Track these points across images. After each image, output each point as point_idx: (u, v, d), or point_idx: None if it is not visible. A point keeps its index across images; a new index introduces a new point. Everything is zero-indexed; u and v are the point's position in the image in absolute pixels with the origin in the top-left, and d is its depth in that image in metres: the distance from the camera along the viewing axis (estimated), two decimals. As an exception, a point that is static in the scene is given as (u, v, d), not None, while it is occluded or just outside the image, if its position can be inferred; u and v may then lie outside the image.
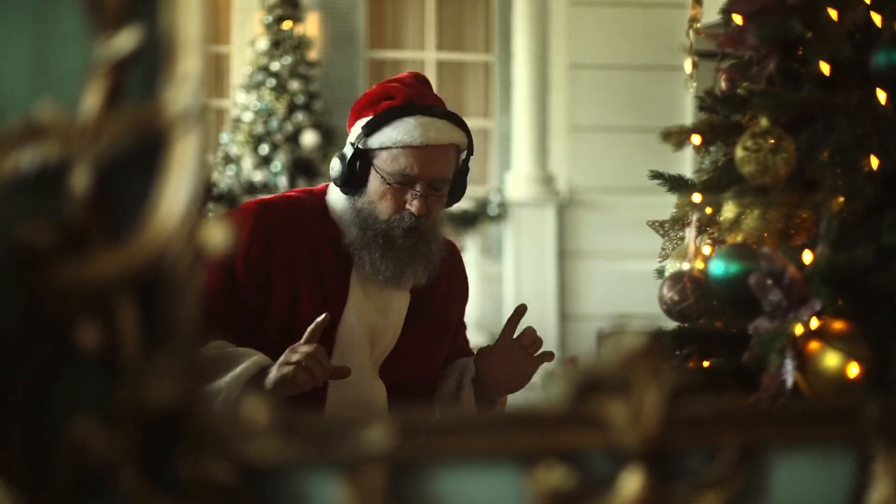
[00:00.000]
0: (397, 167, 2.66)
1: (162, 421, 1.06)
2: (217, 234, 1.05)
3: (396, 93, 2.74)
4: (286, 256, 2.66)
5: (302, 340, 2.52)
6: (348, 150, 2.72)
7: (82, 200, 1.05)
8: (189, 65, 1.07)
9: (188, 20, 1.07)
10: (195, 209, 1.06)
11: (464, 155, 2.80)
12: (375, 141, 2.69)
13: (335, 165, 2.73)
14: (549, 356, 2.76)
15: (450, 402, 2.80)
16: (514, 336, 2.74)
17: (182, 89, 1.07)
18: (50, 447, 1.07)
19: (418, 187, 2.66)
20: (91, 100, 1.06)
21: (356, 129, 2.74)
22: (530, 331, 2.75)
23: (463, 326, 2.99)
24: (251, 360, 2.55)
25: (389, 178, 2.67)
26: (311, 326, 2.53)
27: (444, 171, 2.70)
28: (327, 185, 2.80)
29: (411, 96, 2.73)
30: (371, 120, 2.71)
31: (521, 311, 2.76)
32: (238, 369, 2.54)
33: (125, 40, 1.06)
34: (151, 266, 1.05)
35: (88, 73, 1.07)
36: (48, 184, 1.07)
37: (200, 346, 2.50)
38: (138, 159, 1.07)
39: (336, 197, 2.75)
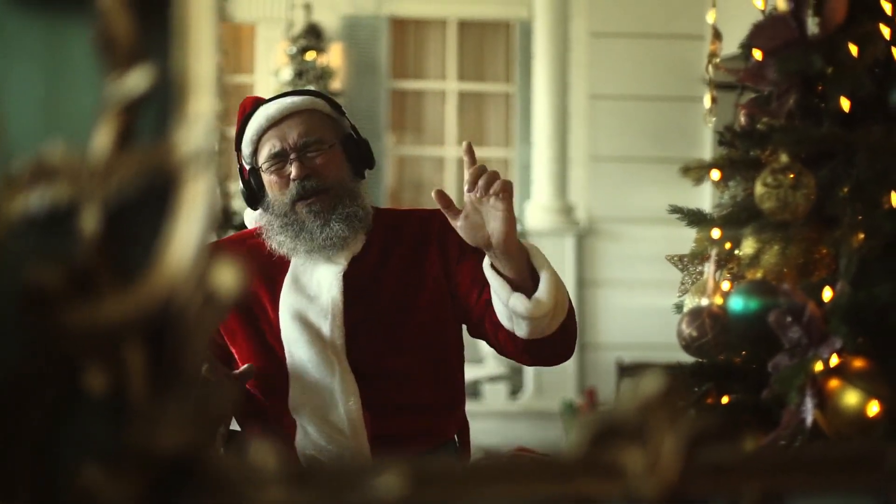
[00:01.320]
0: (265, 154, 2.75)
1: (171, 466, 1.04)
2: (227, 276, 1.04)
3: (244, 105, 2.85)
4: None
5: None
6: (241, 177, 2.84)
7: (92, 242, 1.04)
8: (201, 105, 1.06)
9: (201, 60, 1.06)
10: (205, 250, 1.05)
11: (345, 121, 2.85)
12: (246, 151, 2.79)
13: (239, 191, 2.84)
14: (506, 188, 2.52)
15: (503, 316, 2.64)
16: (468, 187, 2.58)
17: (194, 130, 1.06)
18: (57, 492, 1.06)
19: (290, 157, 2.72)
20: (102, 140, 1.05)
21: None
22: (476, 174, 2.55)
23: (479, 284, 2.75)
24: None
25: (267, 167, 2.74)
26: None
27: (305, 132, 2.74)
28: (260, 225, 2.85)
29: (256, 101, 2.83)
30: (235, 138, 2.83)
31: (467, 148, 2.59)
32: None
33: (137, 80, 1.05)
34: (161, 309, 1.04)
35: (99, 112, 1.06)
36: (58, 225, 1.06)
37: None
38: (149, 200, 1.06)
39: (261, 220, 2.82)
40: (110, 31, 1.06)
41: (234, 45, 9.58)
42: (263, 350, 2.73)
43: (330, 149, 2.76)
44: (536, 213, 8.71)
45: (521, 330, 2.62)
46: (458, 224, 2.59)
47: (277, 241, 2.75)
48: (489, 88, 9.64)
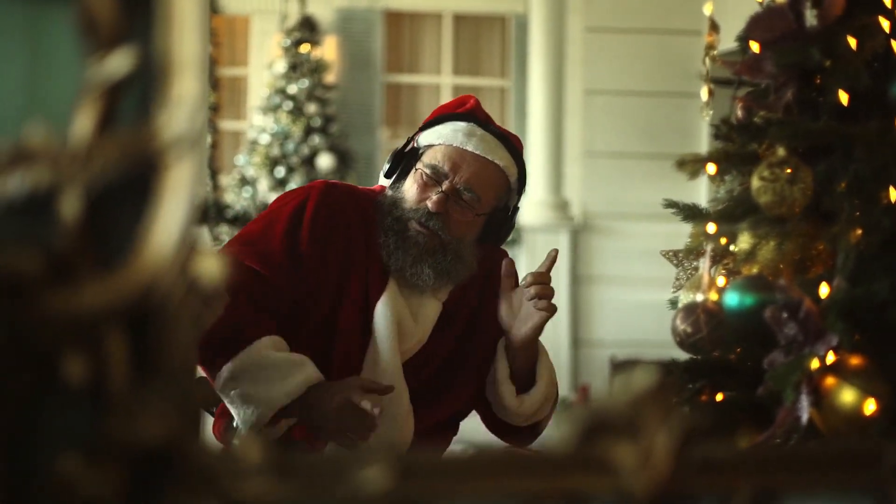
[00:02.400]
0: (432, 161, 2.72)
1: (151, 457, 1.02)
2: (211, 265, 1.01)
3: (468, 101, 2.84)
4: (343, 237, 2.70)
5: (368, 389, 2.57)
6: (404, 145, 2.83)
7: (72, 227, 1.02)
8: (184, 88, 1.03)
9: (184, 41, 1.04)
10: (189, 237, 1.03)
11: (514, 197, 2.84)
12: (427, 138, 2.78)
13: (388, 159, 2.83)
14: (550, 308, 2.70)
15: (490, 389, 2.80)
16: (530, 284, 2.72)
17: (177, 113, 1.03)
18: (35, 484, 1.03)
19: (444, 185, 2.69)
20: (83, 123, 1.03)
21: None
22: (538, 280, 2.70)
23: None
24: (302, 377, 2.57)
25: (422, 169, 2.72)
26: (376, 388, 2.58)
27: (475, 182, 2.72)
28: (384, 187, 2.85)
29: (475, 110, 2.81)
30: (430, 120, 2.81)
31: (552, 256, 2.72)
32: (289, 384, 2.55)
33: (119, 62, 1.02)
34: (142, 296, 1.02)
35: (81, 95, 1.04)
36: (37, 210, 1.03)
37: (246, 341, 2.51)
38: (130, 185, 1.03)
39: (385, 193, 2.80)
40: (92, 12, 1.03)
41: (228, 37, 9.56)
42: (356, 322, 2.70)
43: (476, 216, 2.74)
44: (531, 209, 8.69)
45: (496, 408, 2.82)
46: (502, 297, 2.76)
47: (383, 240, 2.73)
48: (484, 83, 9.62)
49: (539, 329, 2.71)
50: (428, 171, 2.71)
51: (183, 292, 1.03)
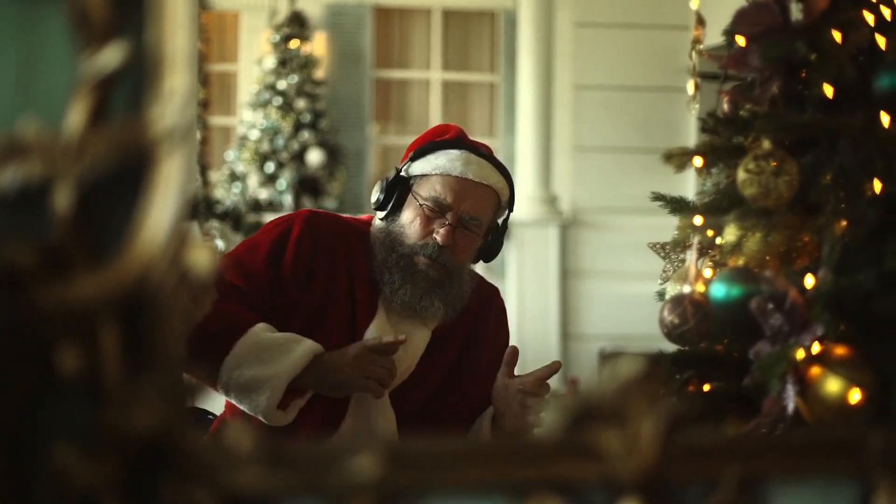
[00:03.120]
0: (432, 193, 2.72)
1: (145, 447, 1.03)
2: (202, 256, 1.03)
3: (450, 130, 2.83)
4: (328, 262, 2.71)
5: (378, 351, 2.58)
6: (391, 176, 2.80)
7: (65, 220, 1.03)
8: (176, 81, 1.05)
9: (175, 35, 1.05)
10: (180, 229, 1.04)
11: (504, 214, 2.86)
12: (418, 168, 2.77)
13: (376, 190, 2.80)
14: (536, 421, 2.72)
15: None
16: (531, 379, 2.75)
17: (168, 106, 1.04)
18: (31, 473, 1.05)
19: (449, 217, 2.70)
20: (75, 117, 1.04)
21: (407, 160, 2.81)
22: (532, 390, 2.74)
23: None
24: (305, 347, 2.58)
25: (423, 203, 2.72)
26: (386, 341, 2.58)
27: (478, 209, 2.74)
28: (372, 217, 2.86)
29: (462, 135, 2.81)
30: (419, 148, 2.79)
31: (555, 368, 2.80)
32: (294, 355, 2.56)
33: (111, 56, 1.04)
34: (135, 288, 1.03)
35: (73, 89, 1.05)
36: (30, 203, 1.04)
37: (239, 332, 2.52)
38: (123, 178, 1.05)
39: (377, 225, 2.81)
40: (85, 7, 1.05)
41: (218, 33, 9.55)
42: (342, 336, 2.71)
43: (476, 238, 2.76)
44: (521, 204, 8.69)
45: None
46: (499, 380, 2.75)
47: (387, 278, 2.74)
48: (474, 78, 9.62)
49: (525, 427, 2.71)
50: (430, 204, 2.71)
51: (174, 284, 1.04)
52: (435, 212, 2.71)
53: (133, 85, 1.06)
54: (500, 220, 2.85)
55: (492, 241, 2.82)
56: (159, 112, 1.04)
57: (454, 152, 2.76)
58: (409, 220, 2.73)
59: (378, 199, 2.79)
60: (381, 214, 2.80)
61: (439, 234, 2.69)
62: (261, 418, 2.55)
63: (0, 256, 1.01)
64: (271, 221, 2.83)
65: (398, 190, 2.77)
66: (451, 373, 2.82)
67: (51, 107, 1.06)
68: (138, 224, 1.04)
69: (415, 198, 2.74)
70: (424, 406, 2.78)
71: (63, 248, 1.03)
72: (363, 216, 2.90)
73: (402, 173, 2.79)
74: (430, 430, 2.77)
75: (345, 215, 2.93)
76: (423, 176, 2.75)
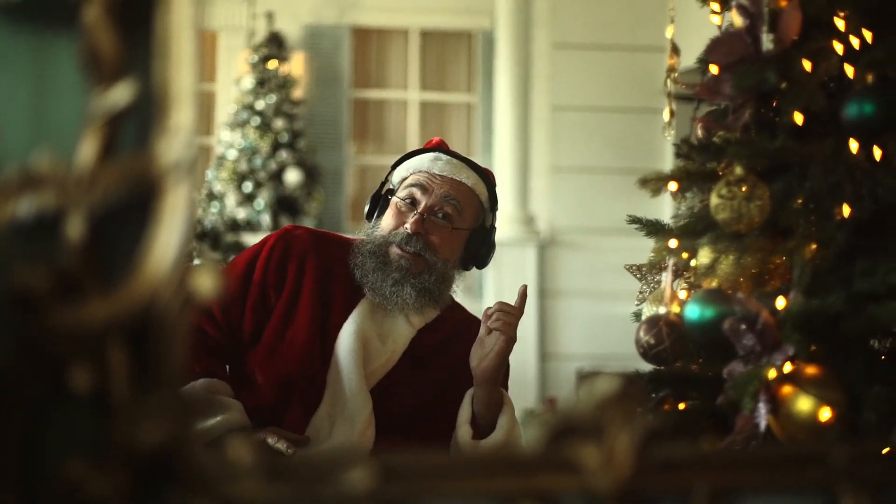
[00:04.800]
0: (405, 188, 2.82)
1: (152, 461, 1.09)
2: (206, 281, 1.09)
3: (433, 142, 2.92)
4: (299, 266, 2.78)
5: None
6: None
7: (77, 247, 1.09)
8: (181, 117, 1.11)
9: (181, 74, 1.11)
10: (185, 256, 1.10)
11: (490, 218, 2.94)
12: (398, 175, 2.88)
13: (366, 205, 2.91)
14: (505, 329, 2.73)
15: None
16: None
17: (174, 141, 1.10)
18: (44, 486, 1.10)
19: (420, 207, 2.78)
20: (87, 151, 1.10)
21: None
22: (501, 307, 2.76)
23: (505, 374, 2.96)
24: (224, 417, 2.64)
25: (398, 199, 2.80)
26: (275, 447, 2.62)
27: (449, 196, 2.81)
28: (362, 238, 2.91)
29: (441, 144, 2.91)
30: (399, 158, 2.91)
31: (522, 291, 2.80)
32: (210, 424, 2.62)
33: (120, 94, 1.10)
34: (142, 311, 1.09)
35: (84, 124, 1.11)
36: (44, 231, 1.10)
37: (186, 380, 2.56)
38: (131, 208, 1.10)
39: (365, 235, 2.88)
40: (95, 47, 1.10)
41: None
42: (313, 342, 2.76)
43: (454, 231, 2.83)
44: (498, 223, 8.73)
45: (451, 449, 2.82)
46: (477, 341, 2.77)
47: (359, 262, 2.81)
48: (451, 99, 9.66)
49: (499, 355, 2.72)
50: (402, 199, 2.80)
51: (180, 307, 1.10)
52: (407, 205, 2.80)
53: (141, 120, 1.11)
54: (487, 225, 2.94)
55: (477, 242, 2.90)
56: (165, 146, 1.10)
57: (429, 154, 2.88)
58: (386, 218, 2.82)
59: (368, 209, 2.91)
60: (369, 224, 2.88)
61: (409, 222, 2.76)
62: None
63: (16, 280, 1.07)
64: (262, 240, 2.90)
65: (383, 199, 2.87)
66: (435, 385, 2.84)
67: (63, 141, 1.12)
68: (146, 251, 1.09)
69: (391, 200, 2.83)
70: (407, 406, 2.81)
71: (75, 273, 1.09)
72: (355, 237, 2.95)
73: (388, 184, 2.90)
74: (411, 428, 2.81)
75: (333, 233, 2.99)
76: (402, 180, 2.86)
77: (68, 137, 1.11)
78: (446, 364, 2.84)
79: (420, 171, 2.84)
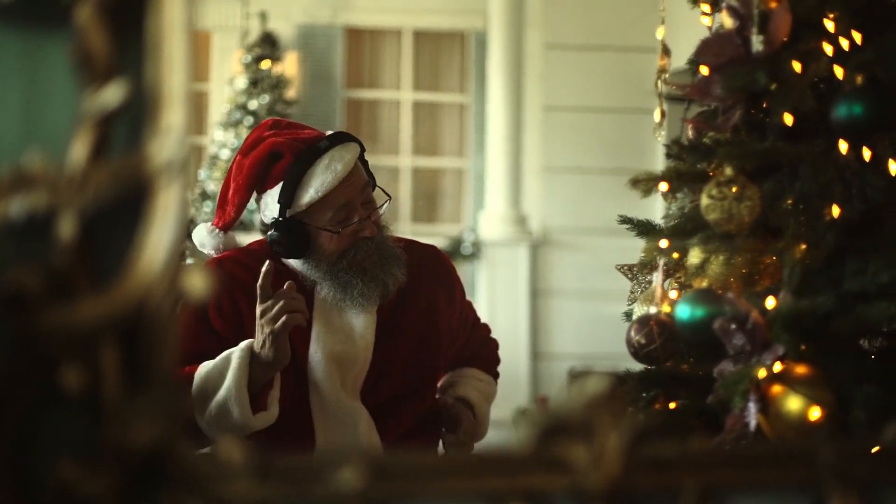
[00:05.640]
0: (333, 210, 2.71)
1: (144, 461, 1.09)
2: (196, 281, 1.09)
3: (279, 148, 2.74)
4: (249, 300, 2.66)
5: (259, 300, 2.56)
6: (275, 225, 2.73)
7: (69, 247, 1.09)
8: (173, 118, 1.11)
9: (173, 75, 1.12)
10: (176, 256, 1.11)
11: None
12: (300, 204, 2.71)
13: (273, 238, 2.73)
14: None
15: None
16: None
17: (166, 141, 1.11)
18: (36, 487, 1.10)
19: (356, 216, 2.72)
20: (78, 151, 1.10)
21: (270, 205, 2.74)
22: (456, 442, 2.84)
23: (477, 326, 3.04)
24: (238, 350, 2.58)
25: (333, 224, 2.71)
26: (261, 281, 2.55)
27: (366, 189, 2.76)
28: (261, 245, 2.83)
29: (294, 146, 2.74)
30: (281, 189, 2.71)
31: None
32: (234, 363, 2.56)
33: (112, 94, 1.10)
34: (134, 311, 1.09)
35: (76, 125, 1.11)
36: (36, 231, 1.10)
37: (180, 385, 2.54)
38: (123, 208, 1.11)
39: (302, 264, 2.79)
40: (87, 47, 1.11)
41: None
42: (287, 377, 2.70)
43: (378, 204, 2.79)
44: (490, 223, 8.75)
45: None
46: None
47: (326, 287, 2.75)
48: (444, 99, 9.66)
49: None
50: (339, 218, 2.71)
51: (171, 307, 1.11)
52: (346, 218, 2.71)
53: (133, 121, 1.12)
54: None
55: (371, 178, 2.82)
56: (157, 146, 1.10)
57: (316, 166, 2.70)
58: (329, 243, 2.72)
59: (283, 251, 2.75)
60: (296, 262, 2.77)
61: (367, 232, 2.72)
62: (252, 430, 2.57)
63: (8, 281, 1.07)
64: None
65: (296, 232, 2.72)
66: (414, 346, 2.84)
67: (55, 141, 1.12)
68: (137, 251, 1.10)
69: (319, 228, 2.72)
70: (395, 385, 2.81)
71: (67, 274, 1.09)
72: (255, 246, 2.85)
73: (287, 217, 2.72)
74: (404, 411, 2.82)
75: (247, 245, 2.88)
76: (309, 206, 2.71)
77: (60, 137, 1.12)
78: (415, 313, 2.84)
79: (332, 188, 2.70)
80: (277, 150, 2.73)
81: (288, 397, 2.68)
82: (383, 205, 2.80)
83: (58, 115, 1.13)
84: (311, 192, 2.69)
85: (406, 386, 2.82)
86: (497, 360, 3.08)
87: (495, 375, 3.07)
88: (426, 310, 2.86)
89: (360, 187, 2.74)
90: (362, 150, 2.81)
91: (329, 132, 2.82)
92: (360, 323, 2.78)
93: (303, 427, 2.71)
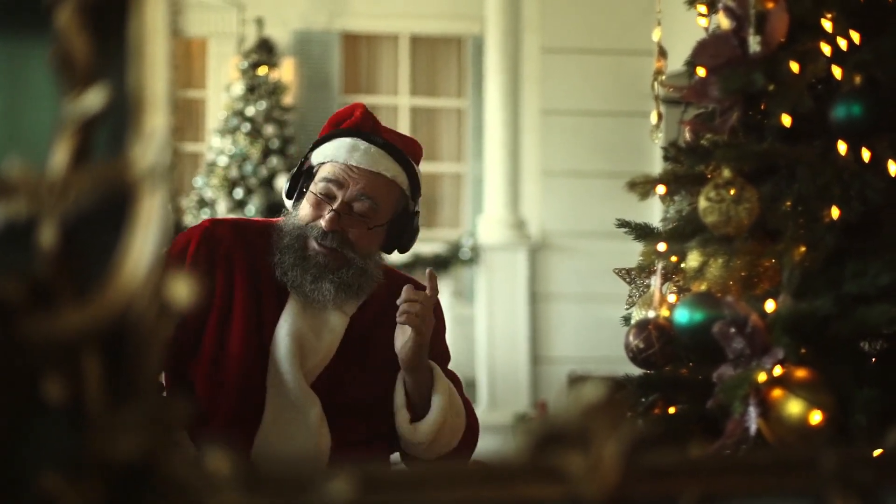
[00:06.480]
0: (320, 181, 2.74)
1: (128, 473, 1.07)
2: (182, 289, 1.07)
3: (353, 113, 2.82)
4: (226, 268, 2.72)
5: None
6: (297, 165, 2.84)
7: (50, 255, 1.07)
8: (156, 122, 1.09)
9: (155, 78, 1.09)
10: (160, 263, 1.08)
11: (412, 205, 2.83)
12: (317, 157, 2.79)
13: (284, 182, 2.84)
14: (411, 320, 2.71)
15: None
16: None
17: (149, 146, 1.09)
18: (18, 499, 1.08)
19: (335, 204, 2.71)
20: (60, 157, 1.08)
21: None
22: (406, 297, 2.72)
23: (444, 358, 2.94)
24: None
25: (314, 189, 2.74)
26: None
27: (366, 194, 2.73)
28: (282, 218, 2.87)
29: (359, 123, 2.80)
30: (320, 138, 2.81)
31: (429, 274, 2.77)
32: None
33: (94, 98, 1.08)
34: (117, 320, 1.07)
35: (57, 130, 1.09)
36: (17, 239, 1.08)
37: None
38: (105, 215, 1.09)
39: (284, 216, 2.83)
40: (67, 51, 1.09)
41: (186, 60, 9.56)
42: (250, 349, 2.72)
43: (373, 229, 2.76)
44: (489, 228, 8.75)
45: (399, 438, 2.82)
46: (398, 325, 2.75)
47: (277, 259, 2.75)
48: (441, 104, 9.67)
49: (412, 347, 2.71)
50: (318, 190, 2.73)
51: (155, 315, 1.08)
52: (324, 197, 2.72)
53: (115, 125, 1.10)
54: (408, 208, 2.83)
55: (399, 228, 2.81)
56: (140, 151, 1.08)
57: (346, 140, 2.77)
58: (304, 206, 2.76)
59: (285, 191, 2.85)
60: (288, 203, 2.83)
61: (324, 220, 2.70)
62: None
63: (-12, 291, 1.05)
64: (175, 238, 2.80)
65: (303, 178, 2.81)
66: (376, 363, 2.81)
67: (35, 147, 1.10)
68: (121, 258, 1.08)
69: (308, 186, 2.77)
70: (352, 392, 2.77)
71: (48, 282, 1.07)
72: (274, 219, 2.90)
73: (308, 162, 2.82)
74: (359, 419, 2.77)
75: (252, 218, 2.96)
76: (321, 164, 2.78)
77: (40, 143, 1.10)
78: (386, 338, 2.79)
79: (336, 162, 2.75)
80: (347, 116, 2.84)
81: (247, 366, 2.70)
82: (375, 230, 2.77)
83: (38, 120, 1.11)
84: (325, 153, 2.77)
85: (361, 399, 2.79)
86: (470, 407, 3.00)
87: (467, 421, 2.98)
88: (388, 336, 2.81)
89: (354, 190, 2.73)
90: (414, 196, 2.83)
91: (399, 139, 2.87)
92: (332, 319, 2.78)
93: (253, 400, 2.70)
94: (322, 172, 2.76)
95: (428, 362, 2.78)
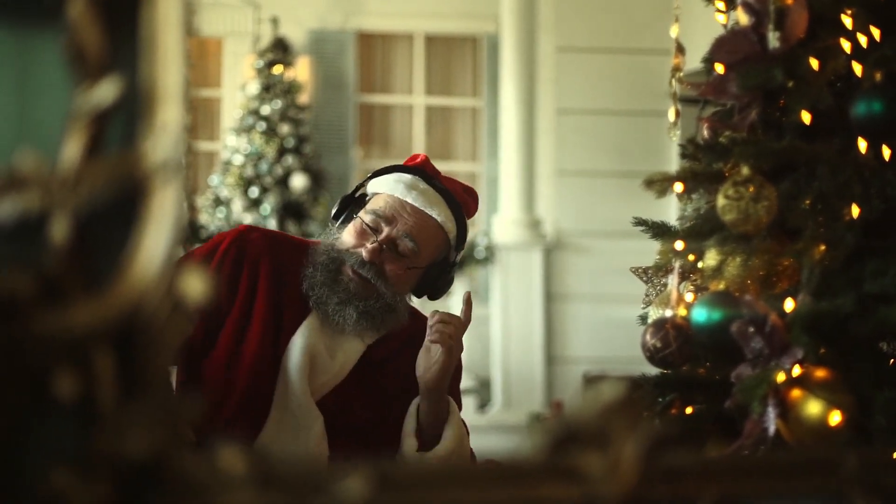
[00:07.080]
0: (371, 208, 2.74)
1: (139, 470, 1.06)
2: (195, 284, 1.05)
3: (416, 159, 2.85)
4: (252, 273, 2.72)
5: None
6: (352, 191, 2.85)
7: (62, 250, 1.06)
8: (168, 115, 1.07)
9: (168, 71, 1.08)
10: (173, 259, 1.07)
11: (454, 254, 2.83)
12: (373, 186, 2.80)
13: (336, 203, 2.86)
14: (443, 341, 2.69)
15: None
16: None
17: (161, 140, 1.07)
18: (27, 497, 1.07)
19: (381, 235, 2.71)
20: (71, 150, 1.07)
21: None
22: (440, 318, 2.71)
23: (457, 403, 2.89)
24: None
25: (363, 217, 2.74)
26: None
27: (413, 233, 2.73)
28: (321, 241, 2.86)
29: (424, 164, 2.82)
30: (381, 168, 2.83)
31: (466, 299, 2.77)
32: None
33: (105, 91, 1.07)
34: (129, 316, 1.06)
35: (69, 123, 1.08)
36: (28, 233, 1.07)
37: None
38: (117, 209, 1.07)
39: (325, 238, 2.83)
40: (80, 43, 1.07)
41: (201, 59, 9.57)
42: (264, 356, 2.71)
43: (411, 269, 2.75)
44: (504, 228, 8.74)
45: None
46: (423, 349, 2.73)
47: (309, 272, 2.74)
48: (457, 103, 9.66)
49: (442, 368, 2.69)
50: (366, 219, 2.73)
51: (168, 311, 1.07)
52: (370, 227, 2.72)
53: (127, 119, 1.08)
54: (448, 258, 2.83)
55: (435, 275, 2.81)
56: (152, 145, 1.07)
57: (406, 176, 2.78)
58: (348, 230, 2.75)
59: (334, 211, 2.85)
60: (335, 224, 2.83)
61: (365, 250, 2.69)
62: None
63: (0, 285, 1.04)
64: (210, 238, 2.85)
65: (353, 204, 2.82)
66: (387, 397, 2.79)
67: (47, 140, 1.09)
68: (133, 253, 1.06)
69: (357, 212, 2.77)
70: (358, 419, 2.76)
71: (60, 277, 1.05)
72: (312, 240, 2.90)
73: (363, 189, 2.83)
74: (365, 441, 2.75)
75: (292, 235, 2.96)
76: (375, 194, 2.79)
77: (52, 136, 1.08)
78: (399, 371, 2.78)
79: (392, 196, 2.75)
80: (415, 158, 2.86)
81: (258, 372, 2.69)
82: (412, 271, 2.76)
83: (49, 113, 1.10)
84: (380, 183, 2.79)
85: (364, 424, 2.77)
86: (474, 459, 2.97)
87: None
88: (409, 376, 2.78)
89: (402, 227, 2.73)
90: (460, 240, 2.83)
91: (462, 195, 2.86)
92: (348, 343, 2.77)
93: (258, 407, 2.69)
94: (376, 202, 2.76)
95: (445, 394, 2.75)
